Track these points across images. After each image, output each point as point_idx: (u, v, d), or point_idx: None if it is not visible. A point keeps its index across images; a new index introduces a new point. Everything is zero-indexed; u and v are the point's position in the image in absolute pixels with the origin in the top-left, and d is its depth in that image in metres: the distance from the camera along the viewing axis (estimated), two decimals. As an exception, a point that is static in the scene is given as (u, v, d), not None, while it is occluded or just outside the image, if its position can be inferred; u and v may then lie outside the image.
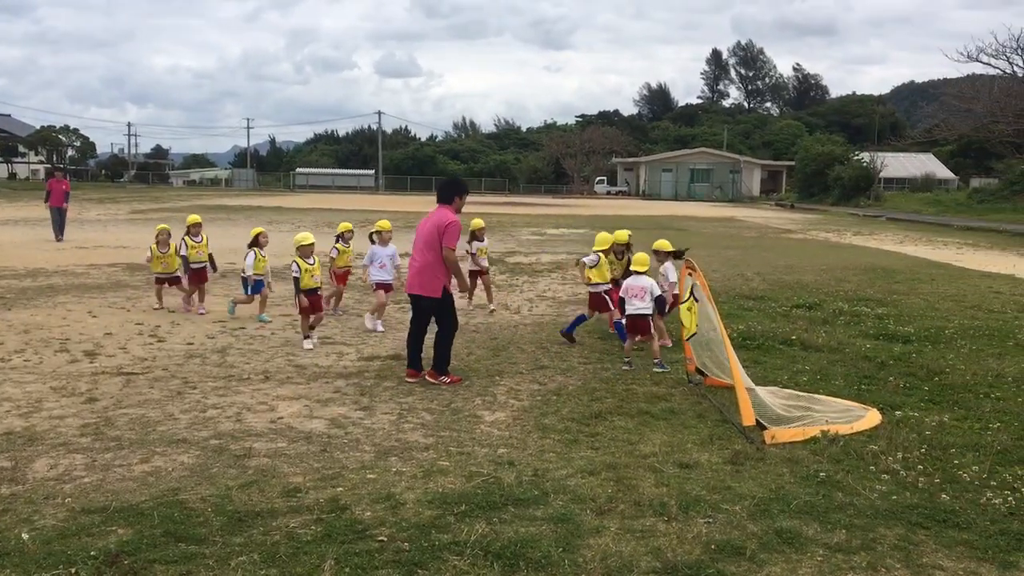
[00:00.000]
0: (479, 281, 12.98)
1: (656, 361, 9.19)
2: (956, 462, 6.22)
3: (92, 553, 4.49)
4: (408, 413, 7.43)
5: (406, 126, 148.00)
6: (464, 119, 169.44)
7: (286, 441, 6.57)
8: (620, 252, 11.08)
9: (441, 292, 8.56)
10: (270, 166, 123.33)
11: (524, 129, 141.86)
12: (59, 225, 23.97)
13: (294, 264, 10.16)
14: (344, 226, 12.73)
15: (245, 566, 4.41)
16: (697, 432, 6.95)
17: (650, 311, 9.26)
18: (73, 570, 4.31)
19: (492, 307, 13.03)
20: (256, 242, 11.79)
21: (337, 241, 12.56)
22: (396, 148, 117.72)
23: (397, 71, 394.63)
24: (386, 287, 11.60)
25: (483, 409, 7.60)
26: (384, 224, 12.06)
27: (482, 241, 13.02)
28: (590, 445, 6.57)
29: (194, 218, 12.93)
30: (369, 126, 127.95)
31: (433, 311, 8.72)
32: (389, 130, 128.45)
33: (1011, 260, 23.61)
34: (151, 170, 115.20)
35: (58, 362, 9.11)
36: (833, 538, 4.91)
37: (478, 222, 13.16)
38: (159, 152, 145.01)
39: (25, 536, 4.69)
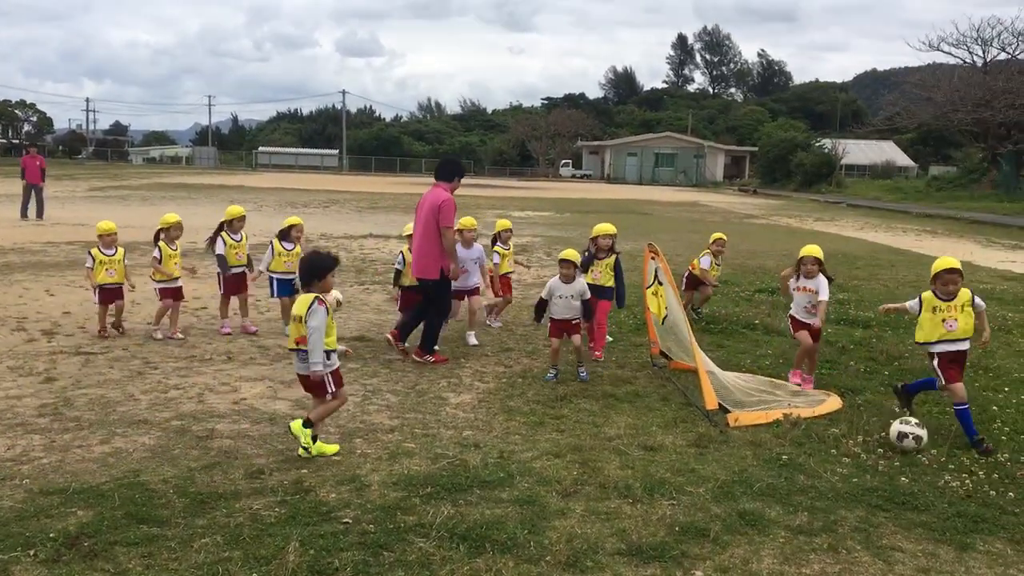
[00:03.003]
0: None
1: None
2: (914, 445, 6.32)
3: (51, 535, 4.41)
4: (373, 395, 7.40)
5: (370, 106, 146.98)
6: (429, 100, 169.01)
7: (249, 422, 6.50)
8: (608, 249, 9.00)
9: (439, 273, 8.52)
10: (232, 145, 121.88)
11: (490, 111, 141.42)
12: (36, 203, 23.89)
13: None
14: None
15: (208, 548, 4.36)
16: (662, 415, 7.00)
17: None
18: (32, 552, 4.23)
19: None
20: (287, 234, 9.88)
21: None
22: (360, 128, 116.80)
23: (360, 50, 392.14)
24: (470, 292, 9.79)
25: (448, 391, 7.58)
26: (468, 222, 9.93)
27: (506, 244, 10.70)
28: (555, 428, 6.59)
29: (236, 210, 10.22)
30: (333, 105, 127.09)
31: (428, 292, 8.68)
32: (353, 110, 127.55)
33: (968, 247, 24.01)
34: (110, 147, 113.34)
35: (15, 341, 8.92)
36: (795, 520, 4.98)
37: (504, 223, 10.93)
38: (118, 129, 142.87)
39: (-19, 518, 4.59)
